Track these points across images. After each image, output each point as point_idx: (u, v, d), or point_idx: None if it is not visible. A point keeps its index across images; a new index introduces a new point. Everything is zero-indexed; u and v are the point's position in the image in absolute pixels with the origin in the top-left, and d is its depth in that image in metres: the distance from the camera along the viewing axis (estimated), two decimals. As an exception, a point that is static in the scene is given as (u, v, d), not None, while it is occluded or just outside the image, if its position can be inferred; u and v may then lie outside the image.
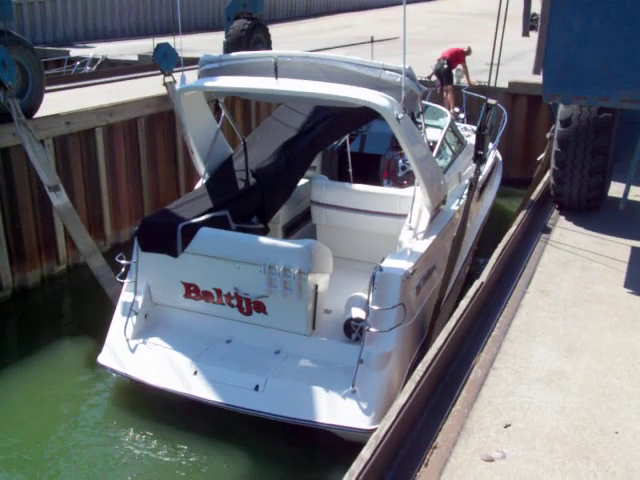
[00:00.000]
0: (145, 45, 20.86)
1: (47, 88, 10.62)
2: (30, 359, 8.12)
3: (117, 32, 26.08)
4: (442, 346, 5.35)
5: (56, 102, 10.97)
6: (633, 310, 6.37)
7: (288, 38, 24.38)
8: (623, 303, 6.51)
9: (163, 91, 11.74)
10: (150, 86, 12.82)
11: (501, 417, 4.78)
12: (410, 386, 4.82)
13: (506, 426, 4.69)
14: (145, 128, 11.85)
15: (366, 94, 6.66)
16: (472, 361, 5.49)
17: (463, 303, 6.12)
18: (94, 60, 18.43)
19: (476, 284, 6.51)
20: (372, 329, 6.14)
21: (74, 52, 19.61)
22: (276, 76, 6.84)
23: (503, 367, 5.41)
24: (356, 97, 6.67)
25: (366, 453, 4.14)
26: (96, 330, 8.17)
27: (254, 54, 7.65)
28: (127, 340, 7.00)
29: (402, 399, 4.66)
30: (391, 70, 6.86)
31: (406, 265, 6.51)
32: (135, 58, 18.38)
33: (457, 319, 5.76)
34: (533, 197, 9.36)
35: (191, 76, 7.60)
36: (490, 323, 6.12)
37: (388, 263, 6.56)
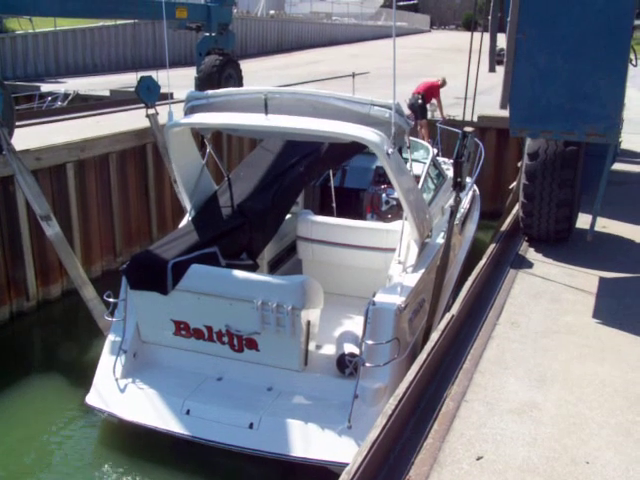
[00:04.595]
0: (117, 80, 20.95)
1: (18, 123, 10.59)
2: (8, 397, 7.94)
3: (89, 67, 26.15)
4: (413, 379, 5.34)
5: (27, 138, 10.91)
6: (602, 340, 6.43)
7: (259, 73, 24.57)
8: (592, 333, 6.58)
9: (135, 126, 11.76)
10: (122, 121, 12.83)
11: (473, 449, 4.78)
12: (382, 420, 4.80)
13: (478, 458, 4.68)
14: (116, 163, 11.84)
15: (357, 130, 6.68)
16: (444, 394, 5.49)
17: (434, 336, 6.13)
18: (65, 95, 18.43)
19: (447, 317, 6.53)
20: (367, 364, 6.15)
21: (45, 87, 19.58)
22: (266, 112, 6.81)
23: (475, 399, 5.42)
24: (347, 133, 6.70)
25: (339, 489, 4.12)
26: (74, 367, 8.02)
27: (243, 90, 7.63)
28: (116, 380, 6.85)
29: (374, 434, 4.64)
30: (380, 106, 6.90)
31: (398, 299, 6.51)
32: (107, 93, 18.41)
33: (428, 352, 5.77)
34: (502, 229, 9.46)
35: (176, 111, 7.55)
36: (461, 355, 6.14)
37: (381, 298, 6.53)
